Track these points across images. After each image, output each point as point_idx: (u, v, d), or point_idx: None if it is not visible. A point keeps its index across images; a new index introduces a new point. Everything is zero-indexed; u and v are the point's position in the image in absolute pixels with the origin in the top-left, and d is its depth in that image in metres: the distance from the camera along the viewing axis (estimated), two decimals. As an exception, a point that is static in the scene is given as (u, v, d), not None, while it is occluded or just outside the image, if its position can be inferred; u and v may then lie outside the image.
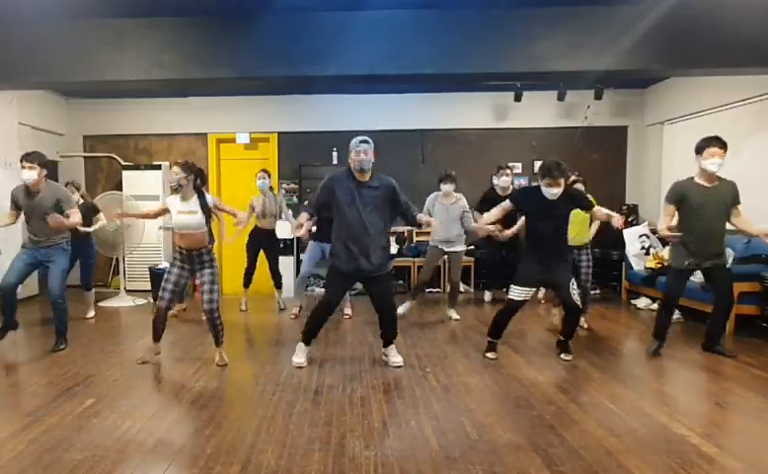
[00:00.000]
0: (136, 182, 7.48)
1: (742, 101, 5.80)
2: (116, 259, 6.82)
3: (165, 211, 4.16)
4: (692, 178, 4.16)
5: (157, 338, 4.16)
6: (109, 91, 7.33)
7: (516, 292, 4.04)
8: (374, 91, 7.62)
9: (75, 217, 4.42)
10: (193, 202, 3.95)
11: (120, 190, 7.28)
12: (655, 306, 5.93)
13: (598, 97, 6.98)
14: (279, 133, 7.91)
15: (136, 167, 7.74)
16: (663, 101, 7.28)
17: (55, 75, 4.92)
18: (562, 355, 4.17)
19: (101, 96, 7.76)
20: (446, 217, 5.42)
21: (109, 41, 4.78)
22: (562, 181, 3.84)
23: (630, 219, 7.34)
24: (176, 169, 3.94)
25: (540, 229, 3.97)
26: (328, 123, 7.73)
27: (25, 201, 4.36)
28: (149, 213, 4.62)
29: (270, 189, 6.21)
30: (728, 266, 4.22)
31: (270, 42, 4.77)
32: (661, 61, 4.69)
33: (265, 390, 3.53)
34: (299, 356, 4.08)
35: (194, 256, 3.99)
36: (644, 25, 4.54)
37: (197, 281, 4.10)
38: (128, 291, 6.90)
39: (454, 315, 5.65)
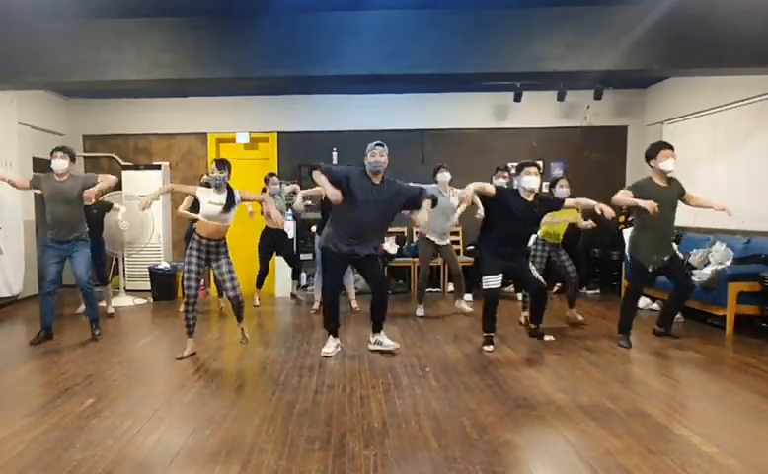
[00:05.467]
0: (136, 182, 7.48)
1: (742, 101, 5.80)
2: (116, 258, 6.82)
3: (192, 196, 4.32)
4: (650, 177, 4.46)
5: (189, 333, 4.26)
6: (109, 91, 7.33)
7: (488, 281, 4.34)
8: (374, 91, 7.61)
9: (105, 182, 4.72)
10: (224, 196, 4.16)
11: (120, 189, 7.27)
12: (655, 306, 5.95)
13: (598, 97, 6.98)
14: (279, 133, 7.91)
15: (136, 167, 7.74)
16: (663, 101, 7.28)
17: (55, 75, 4.92)
18: (544, 338, 4.45)
19: (101, 96, 7.76)
20: (446, 208, 5.47)
21: (109, 41, 4.78)
22: (537, 171, 4.30)
23: (630, 219, 7.33)
24: (214, 169, 4.19)
25: (510, 228, 4.27)
26: (328, 123, 7.74)
27: (49, 187, 4.60)
28: (176, 189, 4.63)
29: (279, 193, 6.39)
30: (678, 255, 4.70)
31: (270, 42, 4.77)
32: (661, 61, 4.69)
33: (265, 390, 3.54)
34: (328, 347, 4.31)
35: (213, 245, 4.21)
36: (644, 25, 4.54)
37: (215, 272, 4.36)
38: (128, 291, 6.90)
39: (466, 308, 5.72)
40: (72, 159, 4.70)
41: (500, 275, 4.33)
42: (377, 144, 4.11)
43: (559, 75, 5.09)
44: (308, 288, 7.54)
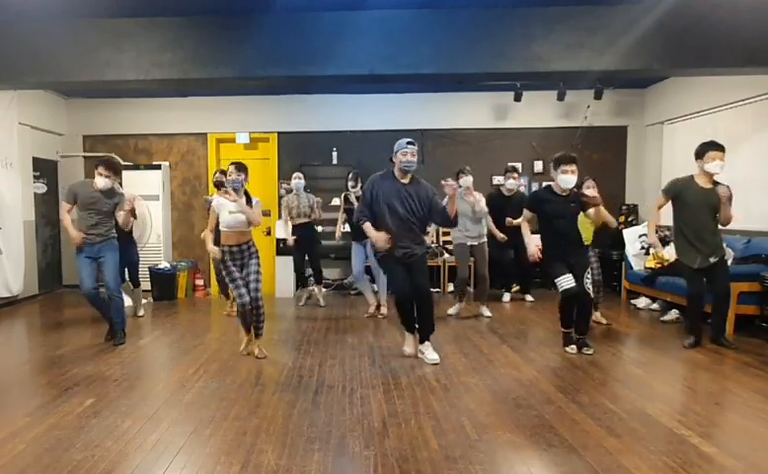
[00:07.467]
0: (136, 182, 7.48)
1: (742, 101, 5.80)
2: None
3: (217, 221, 4.21)
4: (692, 176, 4.38)
5: (248, 330, 4.29)
6: (109, 91, 7.33)
7: (561, 281, 4.21)
8: (374, 91, 7.62)
9: (122, 217, 4.76)
10: (242, 203, 4.10)
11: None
12: (655, 306, 5.95)
13: (598, 97, 6.98)
14: (279, 133, 7.91)
15: (136, 167, 7.74)
16: (663, 101, 7.28)
17: (55, 75, 4.93)
18: (584, 350, 4.27)
19: (101, 96, 7.76)
20: (471, 215, 5.54)
21: (109, 41, 4.78)
22: (576, 168, 4.15)
23: (630, 219, 7.34)
24: (231, 169, 4.11)
25: (555, 226, 4.23)
26: (328, 123, 7.74)
27: (85, 195, 4.57)
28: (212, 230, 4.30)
29: (306, 189, 6.36)
30: (727, 259, 4.53)
31: (270, 42, 4.77)
32: (661, 61, 4.69)
33: (265, 390, 3.53)
34: (409, 346, 4.27)
35: (245, 249, 4.18)
36: (644, 25, 4.54)
37: (243, 273, 4.20)
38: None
39: (486, 312, 5.70)
40: (116, 173, 4.65)
41: (569, 274, 4.19)
42: (408, 142, 4.00)
43: (559, 75, 5.09)
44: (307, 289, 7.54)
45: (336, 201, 6.35)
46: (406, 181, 4.06)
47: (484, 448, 2.67)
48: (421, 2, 4.64)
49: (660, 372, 3.97)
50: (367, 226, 4.06)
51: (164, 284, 6.96)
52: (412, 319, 4.19)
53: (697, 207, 4.32)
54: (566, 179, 4.17)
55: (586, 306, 4.27)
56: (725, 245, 5.28)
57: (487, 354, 4.35)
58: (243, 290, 4.11)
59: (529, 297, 6.62)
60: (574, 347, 4.32)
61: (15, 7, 4.52)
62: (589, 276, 4.26)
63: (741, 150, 5.77)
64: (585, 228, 5.04)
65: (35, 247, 7.18)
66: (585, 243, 5.07)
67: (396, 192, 4.02)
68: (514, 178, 6.23)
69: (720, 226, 4.37)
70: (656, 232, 6.23)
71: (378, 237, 3.98)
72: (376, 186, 4.09)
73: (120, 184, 6.11)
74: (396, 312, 4.28)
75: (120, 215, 4.76)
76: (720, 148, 4.25)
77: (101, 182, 4.53)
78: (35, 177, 7.26)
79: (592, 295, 4.25)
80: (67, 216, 4.62)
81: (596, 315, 5.30)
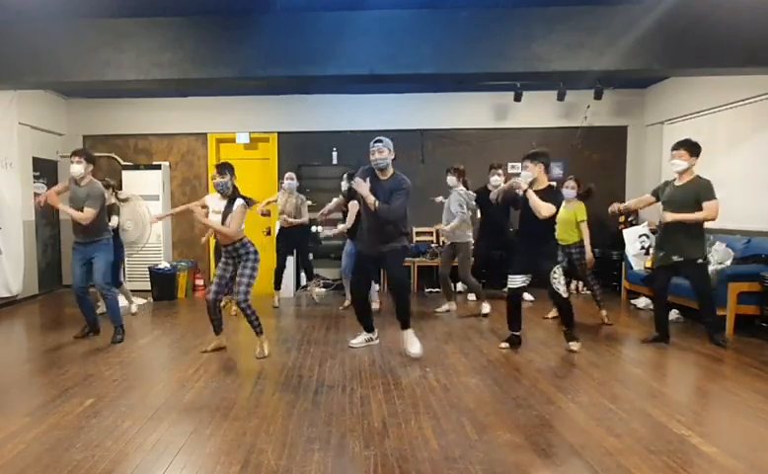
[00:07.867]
0: (136, 182, 7.49)
1: (742, 101, 5.80)
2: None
3: (203, 207, 4.29)
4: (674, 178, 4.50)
5: (216, 330, 4.40)
6: (109, 91, 7.33)
7: (509, 280, 4.39)
8: (374, 91, 7.62)
9: (76, 213, 4.50)
10: (224, 204, 4.12)
11: (120, 190, 7.27)
12: (655, 306, 5.96)
13: (598, 97, 6.97)
14: (279, 133, 7.91)
15: (136, 167, 7.75)
16: (663, 101, 7.28)
17: (55, 75, 4.92)
18: (570, 345, 4.32)
19: (101, 96, 7.76)
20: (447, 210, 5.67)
21: (109, 41, 4.78)
22: (529, 164, 4.18)
23: (630, 219, 7.33)
24: (215, 173, 4.13)
25: (523, 219, 4.33)
26: (328, 123, 7.74)
27: (70, 191, 4.65)
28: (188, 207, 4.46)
29: (299, 190, 6.40)
30: (701, 261, 4.38)
31: (270, 42, 4.77)
32: (661, 61, 4.69)
33: (264, 390, 3.54)
34: (357, 338, 4.56)
35: (231, 250, 4.19)
36: (644, 25, 4.54)
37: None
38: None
39: (483, 309, 5.75)
40: (89, 161, 4.63)
41: (524, 275, 4.30)
42: (375, 141, 4.13)
43: (559, 75, 5.09)
44: (307, 288, 7.54)
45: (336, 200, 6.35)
46: (384, 177, 4.15)
47: (484, 448, 2.67)
48: (421, 2, 4.64)
49: (661, 372, 3.98)
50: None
51: (164, 284, 6.95)
52: (363, 316, 4.47)
53: (667, 206, 4.41)
54: (522, 174, 4.25)
55: (559, 305, 4.33)
56: (724, 246, 5.32)
57: (487, 354, 4.35)
58: (213, 287, 4.23)
59: (529, 296, 6.61)
60: (507, 344, 4.45)
61: (15, 7, 4.52)
62: (557, 273, 4.17)
63: (741, 150, 5.78)
64: (565, 226, 5.10)
65: (34, 247, 7.18)
66: (574, 240, 5.16)
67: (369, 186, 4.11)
68: (498, 175, 6.27)
69: (696, 227, 4.32)
70: (655, 232, 6.28)
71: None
72: (358, 178, 4.17)
73: (120, 185, 6.16)
74: (395, 309, 4.30)
75: (76, 213, 4.50)
76: (679, 146, 4.32)
77: (73, 168, 4.55)
78: (35, 177, 7.26)
79: (564, 294, 4.19)
80: (60, 185, 4.73)
81: (602, 313, 5.34)
